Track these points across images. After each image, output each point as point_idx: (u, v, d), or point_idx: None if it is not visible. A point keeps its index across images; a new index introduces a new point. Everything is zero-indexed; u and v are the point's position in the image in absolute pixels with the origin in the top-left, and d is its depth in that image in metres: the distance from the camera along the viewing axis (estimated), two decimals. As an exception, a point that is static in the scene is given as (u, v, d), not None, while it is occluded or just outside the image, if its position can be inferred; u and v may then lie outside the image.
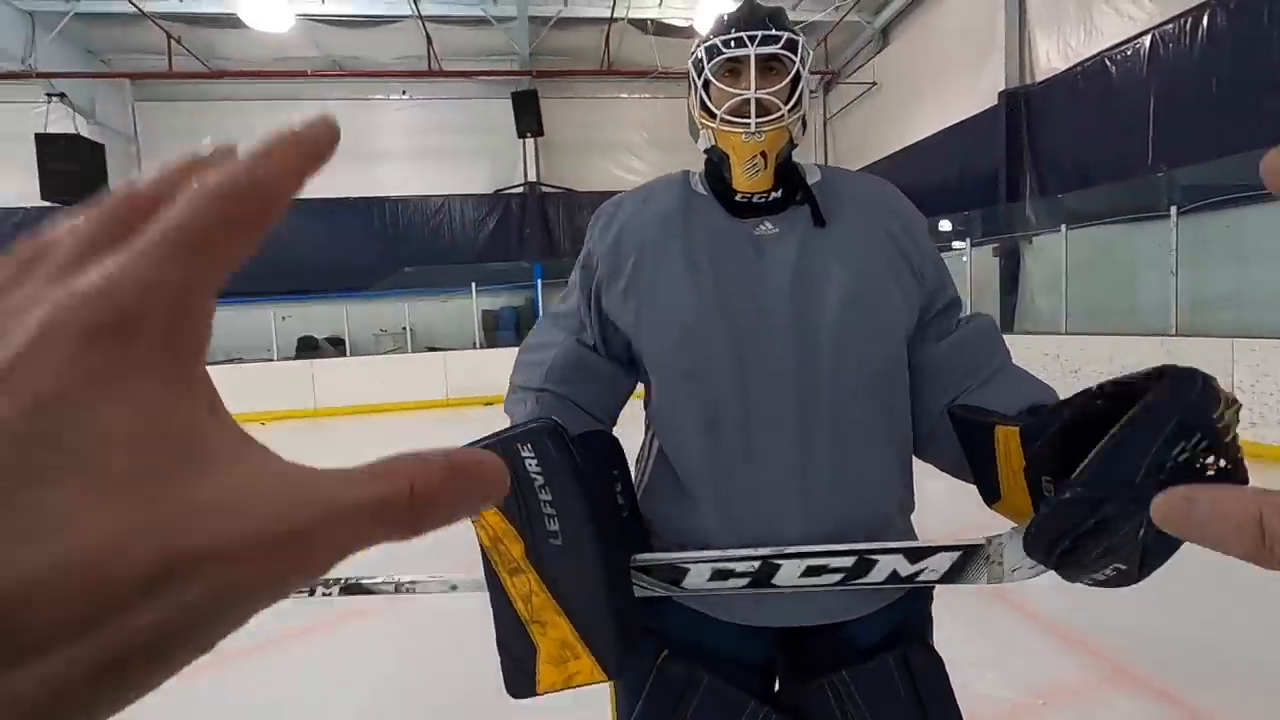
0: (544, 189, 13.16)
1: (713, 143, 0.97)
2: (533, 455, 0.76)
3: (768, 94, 0.92)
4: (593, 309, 1.01)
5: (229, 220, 0.17)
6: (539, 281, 11.69)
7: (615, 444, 0.97)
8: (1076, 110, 7.80)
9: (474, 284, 11.37)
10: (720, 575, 0.83)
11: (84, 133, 10.82)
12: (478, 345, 11.52)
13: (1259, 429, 5.21)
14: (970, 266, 8.29)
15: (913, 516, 1.05)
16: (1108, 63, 7.33)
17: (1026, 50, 8.54)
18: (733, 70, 0.95)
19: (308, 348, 12.06)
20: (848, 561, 0.81)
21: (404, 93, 12.81)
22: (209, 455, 0.17)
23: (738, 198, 0.97)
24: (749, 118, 0.92)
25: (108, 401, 0.15)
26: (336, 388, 10.55)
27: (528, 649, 0.80)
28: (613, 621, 0.77)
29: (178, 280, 0.16)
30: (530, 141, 12.66)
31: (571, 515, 0.75)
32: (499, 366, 9.78)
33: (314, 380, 10.55)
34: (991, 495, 0.83)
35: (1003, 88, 8.60)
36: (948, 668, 0.92)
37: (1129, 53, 7.10)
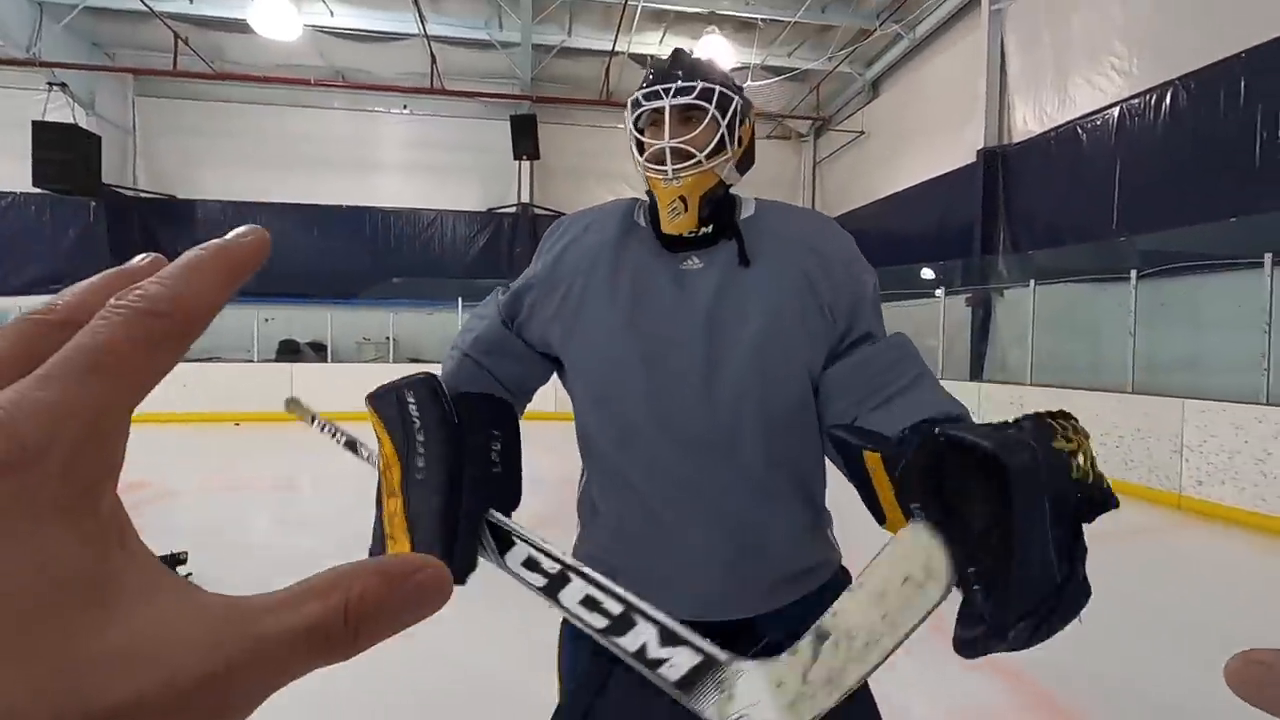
0: (536, 210, 13.37)
1: (646, 184, 1.05)
2: (413, 401, 0.84)
3: (682, 142, 0.98)
4: (517, 319, 1.10)
5: (148, 340, 0.17)
6: (525, 301, 11.82)
7: (507, 411, 0.94)
8: (1049, 172, 8.18)
9: (460, 299, 11.48)
10: (530, 564, 0.72)
11: (82, 123, 10.87)
12: (459, 360, 11.56)
13: (1205, 487, 5.44)
14: (943, 315, 8.56)
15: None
16: (1079, 130, 7.72)
17: (1005, 112, 8.96)
18: (655, 121, 1.02)
19: (289, 351, 12.05)
20: (615, 608, 0.63)
21: (405, 107, 13.03)
22: (119, 596, 0.15)
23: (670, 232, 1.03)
24: (666, 165, 0.98)
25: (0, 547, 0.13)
26: (315, 393, 10.40)
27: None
28: (440, 549, 0.81)
29: (89, 405, 0.15)
30: (526, 164, 12.90)
31: (432, 454, 0.84)
32: (478, 381, 9.72)
33: (293, 383, 10.52)
34: (879, 518, 0.80)
35: (982, 145, 8.99)
36: (879, 683, 0.94)
37: (1099, 122, 7.49)
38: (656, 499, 0.98)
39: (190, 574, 3.46)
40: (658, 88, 1.00)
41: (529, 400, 1.14)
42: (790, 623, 0.95)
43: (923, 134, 10.40)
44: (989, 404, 7.49)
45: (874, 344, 0.98)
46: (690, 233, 1.01)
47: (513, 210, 13.31)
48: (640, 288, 1.00)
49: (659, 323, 0.98)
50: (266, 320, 11.68)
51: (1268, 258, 5.35)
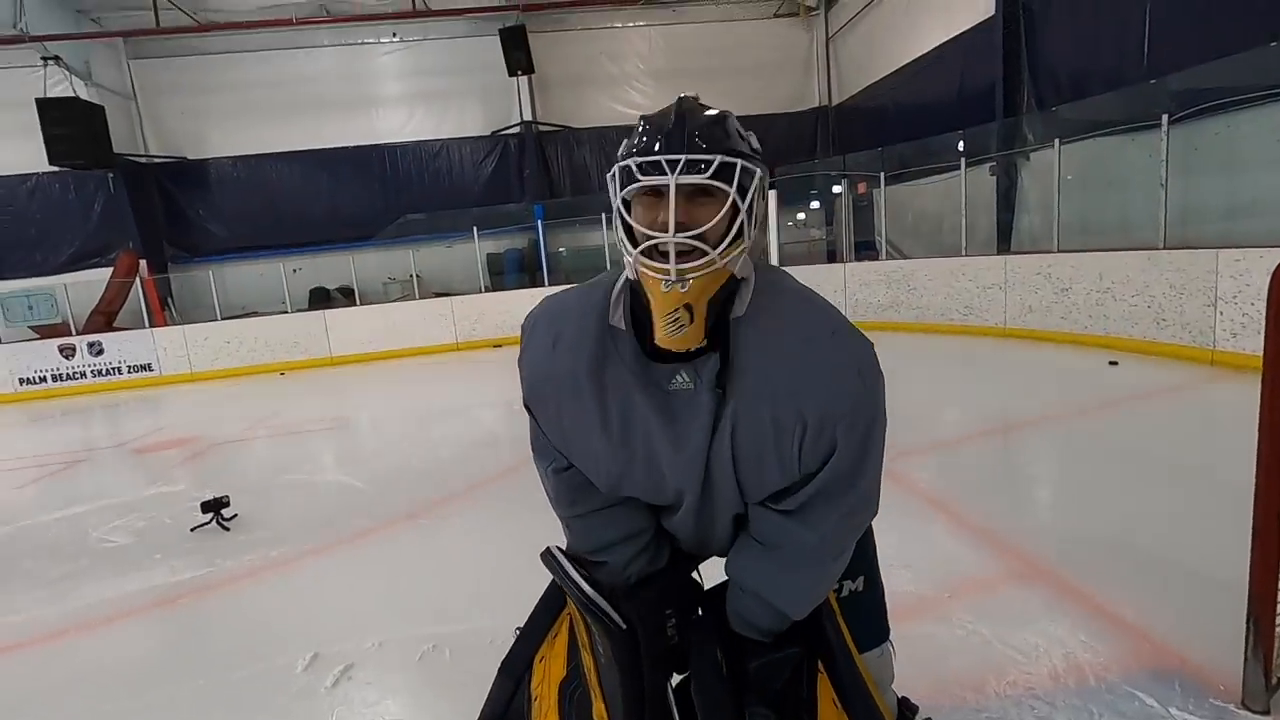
0: (541, 128, 13.03)
1: (635, 275, 0.83)
2: (584, 617, 0.99)
3: (692, 236, 0.77)
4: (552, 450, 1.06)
5: None
6: (540, 222, 11.75)
7: (682, 583, 1.10)
8: (1074, 16, 7.48)
9: (475, 228, 11.47)
10: None
11: (83, 95, 10.94)
12: (483, 288, 11.73)
13: (1240, 339, 5.23)
14: (965, 187, 8.16)
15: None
16: (1106, -36, 6.98)
17: (1026, -48, 8.13)
18: (653, 200, 0.80)
19: (320, 299, 12.38)
20: None
21: (394, 35, 12.63)
22: None
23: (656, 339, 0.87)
24: (668, 262, 0.78)
25: None
26: (349, 336, 10.89)
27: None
28: None
29: None
30: (523, 80, 12.47)
31: (608, 657, 0.98)
32: (504, 309, 10.14)
33: (327, 330, 10.90)
34: None
35: (1001, -4, 8.24)
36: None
37: (1127, -48, 6.75)
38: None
39: (235, 515, 3.78)
40: (659, 158, 0.78)
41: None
42: None
43: (937, -9, 9.58)
44: (1016, 277, 7.24)
45: (798, 530, 0.97)
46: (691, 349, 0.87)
47: (517, 130, 13.01)
48: (628, 423, 0.93)
49: (654, 464, 0.95)
50: (295, 271, 11.96)
51: (1309, 83, 4.89)
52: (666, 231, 0.76)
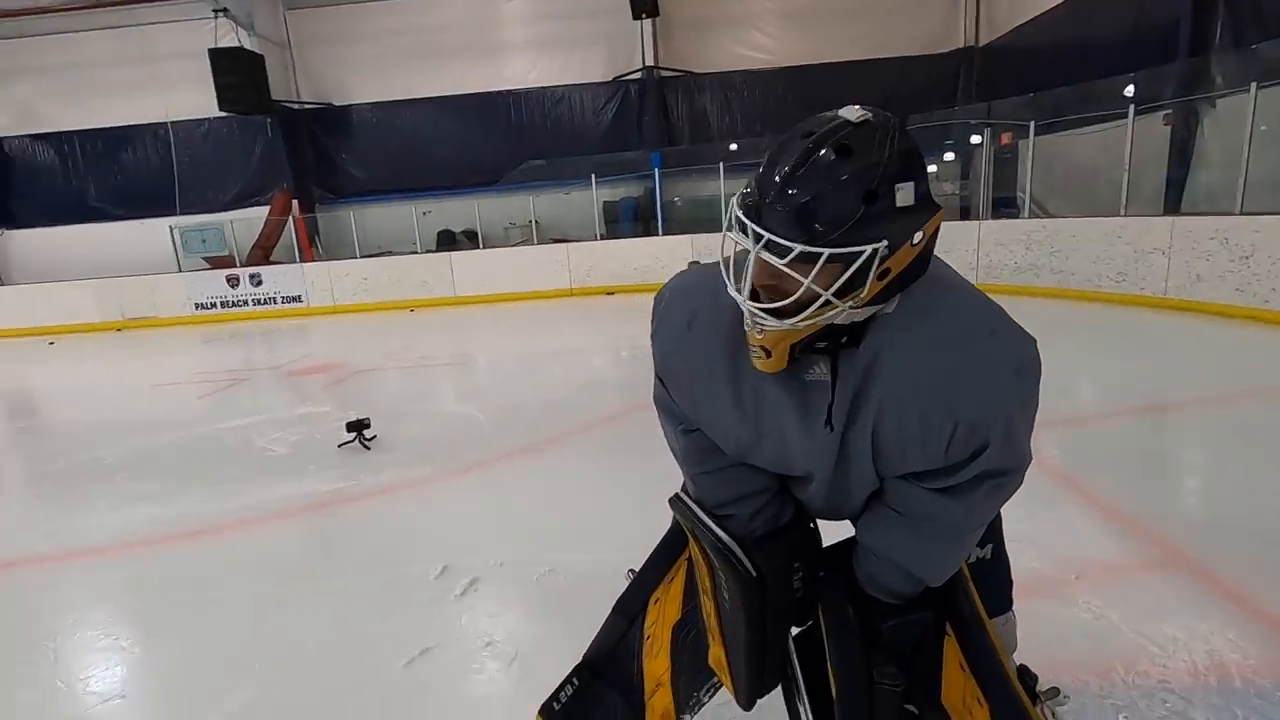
0: (662, 73, 12.80)
1: None
2: (710, 558, 1.03)
3: (759, 308, 0.78)
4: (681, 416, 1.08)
5: None
6: (657, 171, 11.68)
7: (806, 537, 1.11)
8: (1293, -67, 6.35)
9: (594, 175, 11.58)
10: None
11: (246, 45, 11.87)
12: (599, 236, 11.90)
13: None
14: (1131, 139, 7.26)
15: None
16: None
17: None
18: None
19: (446, 241, 13.04)
20: None
21: (523, -21, 12.72)
22: None
23: None
24: (744, 306, 0.80)
25: None
26: (472, 277, 11.45)
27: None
28: (748, 673, 1.05)
29: None
30: (647, 22, 12.24)
31: (735, 602, 1.01)
32: (618, 257, 10.32)
33: (452, 271, 11.51)
34: None
35: (1199, -88, 7.11)
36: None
37: None
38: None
39: (375, 436, 4.15)
40: (748, 222, 0.75)
41: None
42: None
43: (1119, -92, 8.39)
44: (1185, 240, 6.45)
45: (951, 501, 0.95)
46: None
47: (639, 76, 12.86)
48: (761, 410, 0.95)
49: (784, 451, 0.97)
50: (424, 214, 12.62)
51: None
52: (743, 286, 0.77)
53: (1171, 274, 6.59)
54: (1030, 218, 8.54)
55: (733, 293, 0.79)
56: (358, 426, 4.09)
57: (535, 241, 12.21)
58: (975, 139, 10.35)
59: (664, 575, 1.15)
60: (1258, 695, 1.70)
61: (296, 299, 11.69)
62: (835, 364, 0.87)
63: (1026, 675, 1.23)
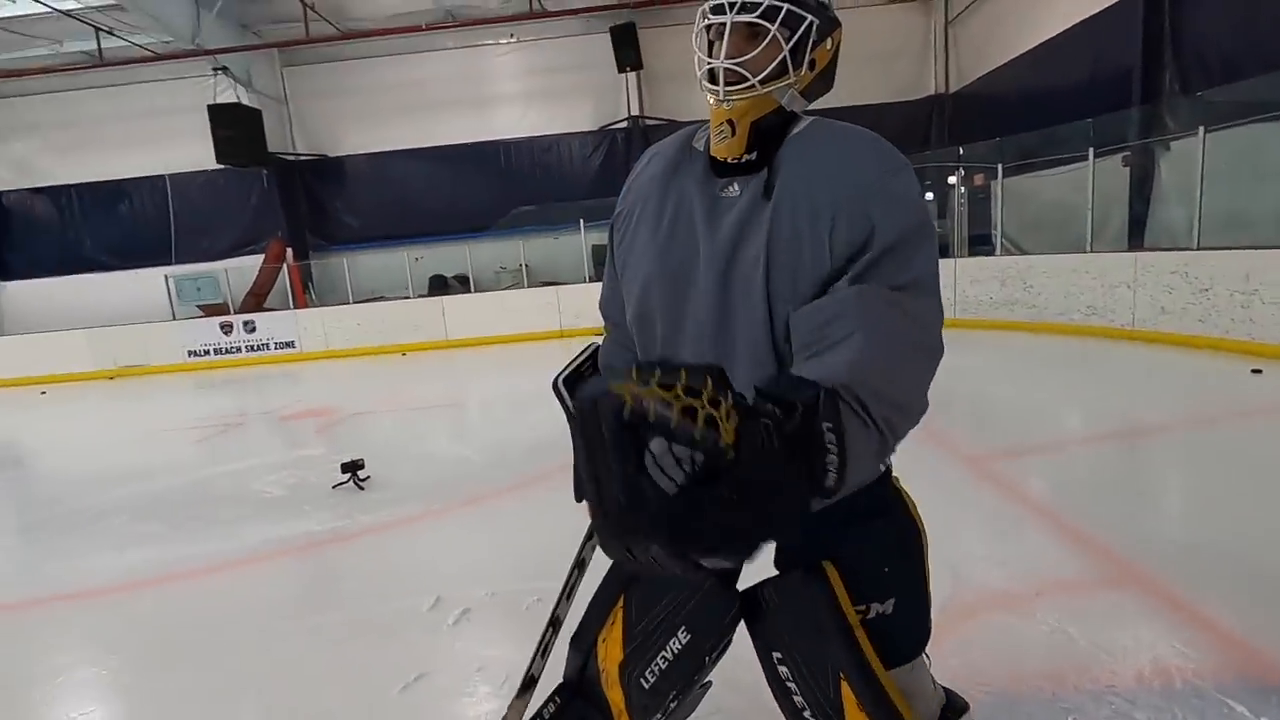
0: (647, 121, 13.28)
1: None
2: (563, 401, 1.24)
3: (735, 63, 0.94)
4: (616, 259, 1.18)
5: None
6: (644, 215, 12.00)
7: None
8: (1229, -10, 6.82)
9: (582, 220, 11.91)
10: None
11: (244, 100, 12.26)
12: (588, 279, 12.16)
13: None
14: (1093, 179, 7.64)
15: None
16: (1270, -69, 6.31)
17: (1175, -77, 7.47)
18: (719, 36, 0.96)
19: (438, 285, 13.28)
20: None
21: (511, 36, 13.26)
22: None
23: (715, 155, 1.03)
24: (719, 85, 0.95)
25: None
26: (464, 321, 11.65)
27: None
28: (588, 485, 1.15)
29: None
30: (631, 75, 12.76)
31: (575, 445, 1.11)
32: (598, 299, 10.14)
33: (444, 314, 11.71)
34: None
35: (1145, -30, 7.61)
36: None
37: (1296, -85, 6.08)
38: None
39: (369, 477, 4.26)
40: (723, 1, 0.95)
41: None
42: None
43: (1071, -33, 8.94)
44: (1148, 274, 6.74)
45: (833, 294, 0.93)
46: (734, 159, 1.01)
47: (624, 125, 13.34)
48: (678, 219, 1.04)
49: (686, 254, 1.02)
50: (416, 259, 12.87)
51: None
52: (720, 52, 0.95)
53: (1137, 306, 6.86)
54: (1004, 255, 8.87)
55: (708, 63, 0.96)
56: (352, 468, 4.20)
57: (526, 285, 12.45)
58: (951, 179, 10.77)
59: (606, 616, 1.20)
60: (1196, 696, 1.83)
61: (290, 344, 11.83)
62: (747, 183, 1.01)
63: (952, 709, 1.28)
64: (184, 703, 2.21)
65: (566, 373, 1.27)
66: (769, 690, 1.08)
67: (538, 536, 3.28)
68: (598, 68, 12.87)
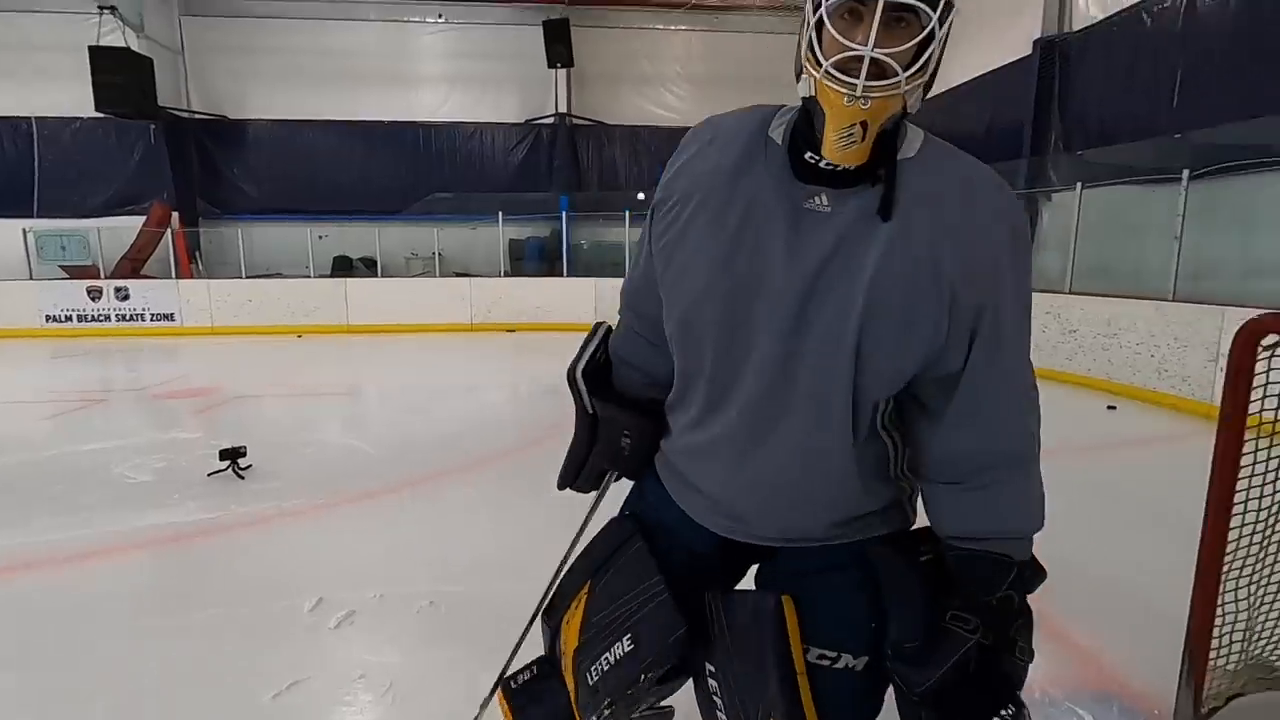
0: (574, 120, 13.20)
1: (812, 93, 0.82)
2: (576, 390, 1.19)
3: (886, 53, 0.76)
4: (651, 240, 1.03)
5: None
6: (564, 213, 11.93)
7: (644, 413, 1.12)
8: (1108, 64, 7.58)
9: (501, 213, 11.67)
10: None
11: (133, 46, 11.19)
12: (503, 273, 11.92)
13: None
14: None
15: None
16: (1144, 14, 7.06)
17: (1068, -6, 8.23)
18: (854, 13, 0.78)
19: (342, 267, 12.63)
20: None
21: (440, 16, 12.83)
22: None
23: (807, 156, 0.85)
24: (858, 78, 0.76)
25: None
26: (367, 306, 11.13)
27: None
28: (569, 479, 1.25)
29: None
30: (562, 72, 12.65)
31: (577, 428, 1.21)
32: (521, 295, 10.36)
33: (347, 298, 11.14)
34: None
35: (1039, 35, 8.33)
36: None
37: (1166, 4, 6.83)
38: (723, 433, 0.96)
39: (250, 465, 3.97)
40: None
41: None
42: (816, 555, 1.00)
43: (977, 22, 9.63)
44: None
45: (986, 429, 0.90)
46: (841, 165, 0.83)
47: (550, 121, 13.19)
48: (750, 222, 0.88)
49: (757, 264, 0.87)
50: (320, 237, 12.20)
51: (1329, 155, 4.99)
52: (870, 36, 0.75)
53: (1015, 342, 7.46)
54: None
55: (853, 49, 0.76)
56: (232, 454, 3.90)
57: (437, 274, 12.05)
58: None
59: (573, 597, 1.16)
60: (1050, 704, 1.99)
61: (168, 317, 10.89)
62: (842, 199, 0.86)
63: None
64: (30, 707, 1.97)
65: (584, 363, 1.17)
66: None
67: (437, 537, 3.16)
68: (527, 60, 12.67)
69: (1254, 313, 1.96)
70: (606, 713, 1.05)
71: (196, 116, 12.75)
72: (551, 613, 1.21)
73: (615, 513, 1.20)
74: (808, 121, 0.86)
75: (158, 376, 7.48)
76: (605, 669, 1.04)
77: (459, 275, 11.92)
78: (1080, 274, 7.18)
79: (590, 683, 1.06)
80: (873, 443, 0.94)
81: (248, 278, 11.42)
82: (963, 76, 9.99)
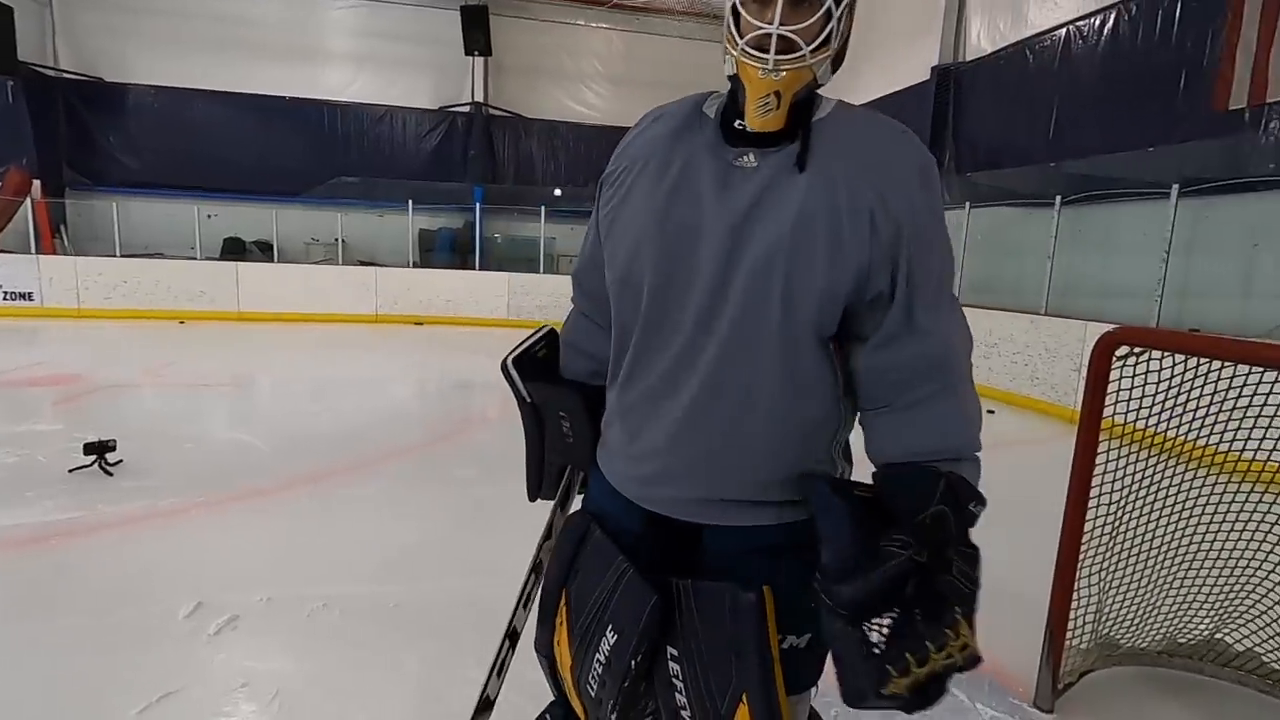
0: (491, 111, 12.91)
1: (734, 71, 0.93)
2: (513, 383, 1.21)
3: (792, 30, 0.87)
4: (599, 217, 1.09)
5: None
6: (478, 205, 11.64)
7: (580, 396, 1.16)
8: (996, 94, 8.20)
9: (411, 201, 11.25)
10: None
11: (-9, -8, 10.02)
12: (411, 264, 11.49)
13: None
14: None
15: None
16: (1027, 51, 7.70)
17: (963, 27, 8.83)
18: (766, 1, 0.89)
19: (234, 250, 11.80)
20: None
21: (350, -9, 12.24)
22: None
23: (735, 124, 0.95)
24: (769, 53, 0.88)
25: None
26: (262, 293, 10.44)
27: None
28: (532, 485, 1.27)
29: None
30: (479, 60, 12.35)
31: (526, 426, 1.23)
32: (430, 287, 10.03)
33: (238, 283, 10.41)
34: None
35: (937, 62, 8.90)
36: None
37: (1046, 43, 7.48)
38: (652, 383, 1.01)
39: (120, 461, 3.64)
40: None
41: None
42: (738, 539, 1.02)
43: (880, 48, 10.18)
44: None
45: (911, 342, 0.93)
46: (762, 130, 0.94)
47: (466, 110, 12.84)
48: (684, 180, 0.97)
49: (690, 215, 0.95)
50: (209, 217, 11.36)
51: (1174, 189, 5.59)
52: (774, 15, 0.87)
53: (909, 349, 7.96)
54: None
55: (761, 27, 0.87)
56: (98, 449, 3.56)
57: (340, 262, 11.48)
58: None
59: (554, 615, 1.15)
60: (956, 710, 2.12)
61: (27, 296, 9.80)
62: (766, 156, 0.95)
63: None
64: None
65: (517, 353, 1.20)
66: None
67: (334, 536, 3.01)
68: (444, 45, 12.29)
69: (1110, 327, 2.18)
70: (613, 718, 1.04)
71: (66, 76, 11.55)
72: (540, 642, 1.19)
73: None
74: (734, 96, 0.97)
75: (12, 362, 6.72)
76: (599, 671, 1.05)
77: (363, 264, 11.41)
78: (966, 288, 7.73)
79: (592, 693, 1.06)
80: (808, 397, 0.97)
81: (123, 256, 10.46)
82: (868, 96, 10.51)
